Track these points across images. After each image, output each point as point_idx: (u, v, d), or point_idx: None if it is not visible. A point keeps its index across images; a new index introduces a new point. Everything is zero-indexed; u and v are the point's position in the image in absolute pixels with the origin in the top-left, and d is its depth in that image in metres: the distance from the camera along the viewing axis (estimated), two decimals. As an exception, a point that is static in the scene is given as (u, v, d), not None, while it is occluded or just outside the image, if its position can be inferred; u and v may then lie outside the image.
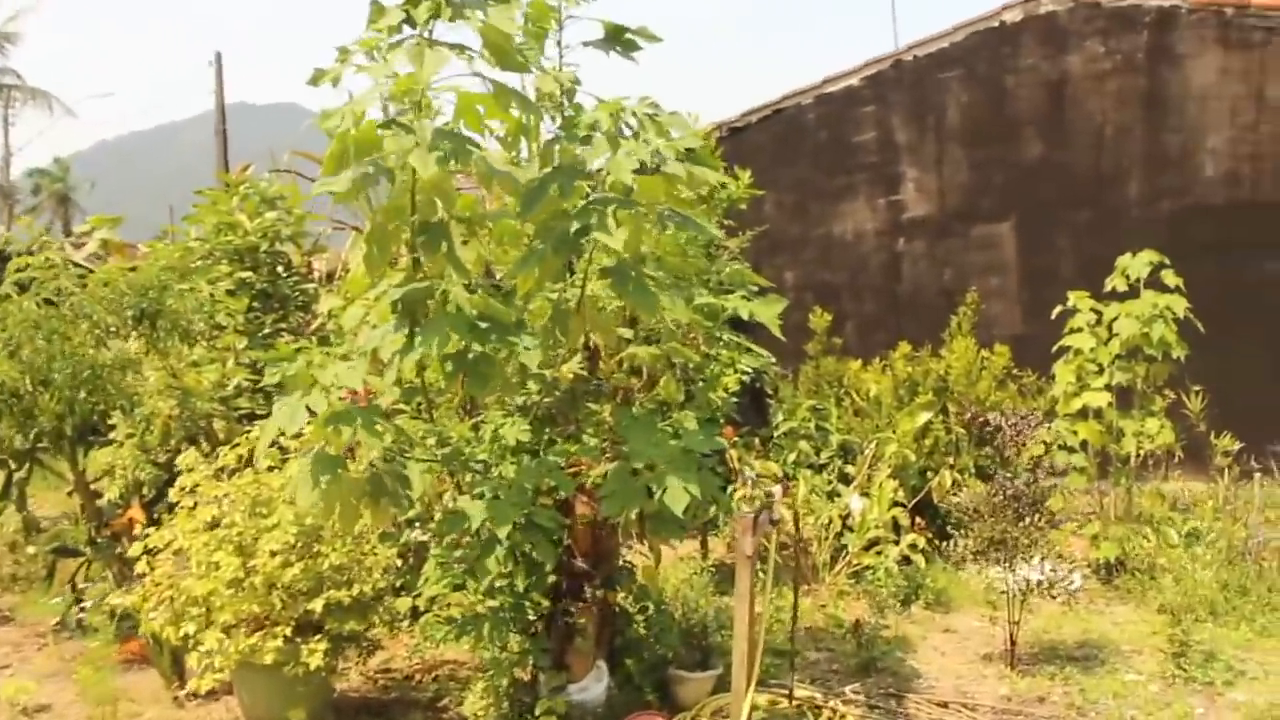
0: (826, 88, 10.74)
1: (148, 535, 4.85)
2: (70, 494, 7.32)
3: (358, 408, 3.81)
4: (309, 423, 3.79)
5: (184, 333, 5.98)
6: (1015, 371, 8.76)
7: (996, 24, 10.00)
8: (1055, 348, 7.46)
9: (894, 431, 7.66)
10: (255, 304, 7.59)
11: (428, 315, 3.87)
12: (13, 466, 6.78)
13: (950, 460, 7.68)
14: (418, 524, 4.71)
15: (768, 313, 4.69)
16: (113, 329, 5.73)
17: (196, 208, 7.59)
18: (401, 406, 5.14)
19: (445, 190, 3.90)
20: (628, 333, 4.59)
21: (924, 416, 7.79)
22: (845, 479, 7.68)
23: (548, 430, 4.69)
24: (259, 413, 6.98)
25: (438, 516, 4.44)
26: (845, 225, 10.73)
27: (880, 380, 8.31)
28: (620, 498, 3.88)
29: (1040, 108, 9.87)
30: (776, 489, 4.19)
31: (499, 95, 3.90)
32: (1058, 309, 7.52)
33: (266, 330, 7.43)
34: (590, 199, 3.77)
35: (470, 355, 3.95)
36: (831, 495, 7.50)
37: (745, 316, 4.63)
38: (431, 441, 4.57)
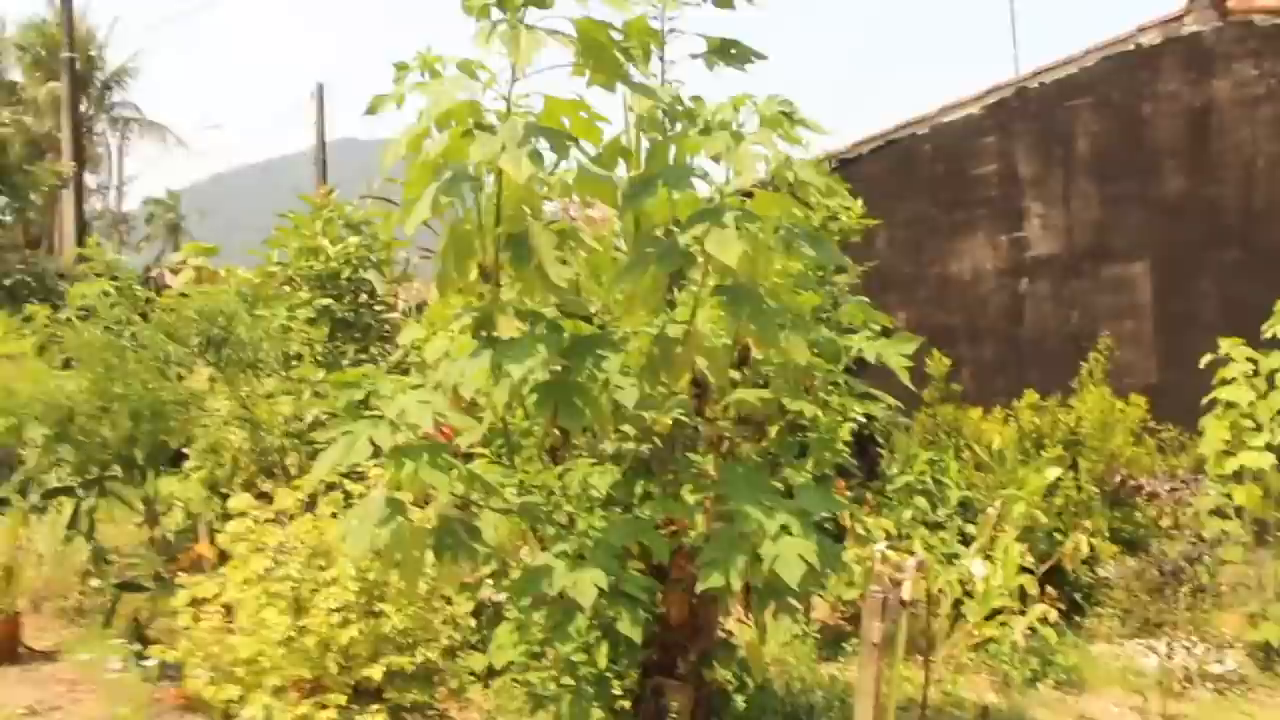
0: (943, 117, 10.09)
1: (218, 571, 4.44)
2: (140, 525, 7.01)
3: (424, 443, 3.33)
4: (373, 460, 3.33)
5: (254, 362, 5.61)
6: (1152, 425, 7.98)
7: (1131, 47, 9.26)
8: (1206, 400, 6.68)
9: (1019, 488, 6.95)
10: (336, 333, 7.22)
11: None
12: (80, 494, 6.50)
13: (1083, 522, 6.93)
14: (491, 580, 4.19)
15: (896, 355, 4.10)
16: (175, 358, 5.38)
17: (278, 230, 7.26)
18: (480, 450, 4.66)
19: (535, 199, 3.44)
20: (735, 375, 4.04)
21: (1052, 473, 7.06)
22: (965, 539, 6.99)
23: (641, 482, 4.15)
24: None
25: (514, 574, 3.92)
26: (963, 263, 10.03)
27: (1003, 431, 7.60)
28: (723, 566, 3.31)
29: (1181, 138, 9.09)
30: (909, 562, 3.58)
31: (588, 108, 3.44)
32: (1207, 357, 6.74)
33: (347, 361, 7.04)
34: (705, 207, 3.25)
35: (562, 382, 3.44)
36: (950, 558, 6.82)
37: (871, 358, 4.04)
38: (511, 490, 4.06)
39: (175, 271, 9.74)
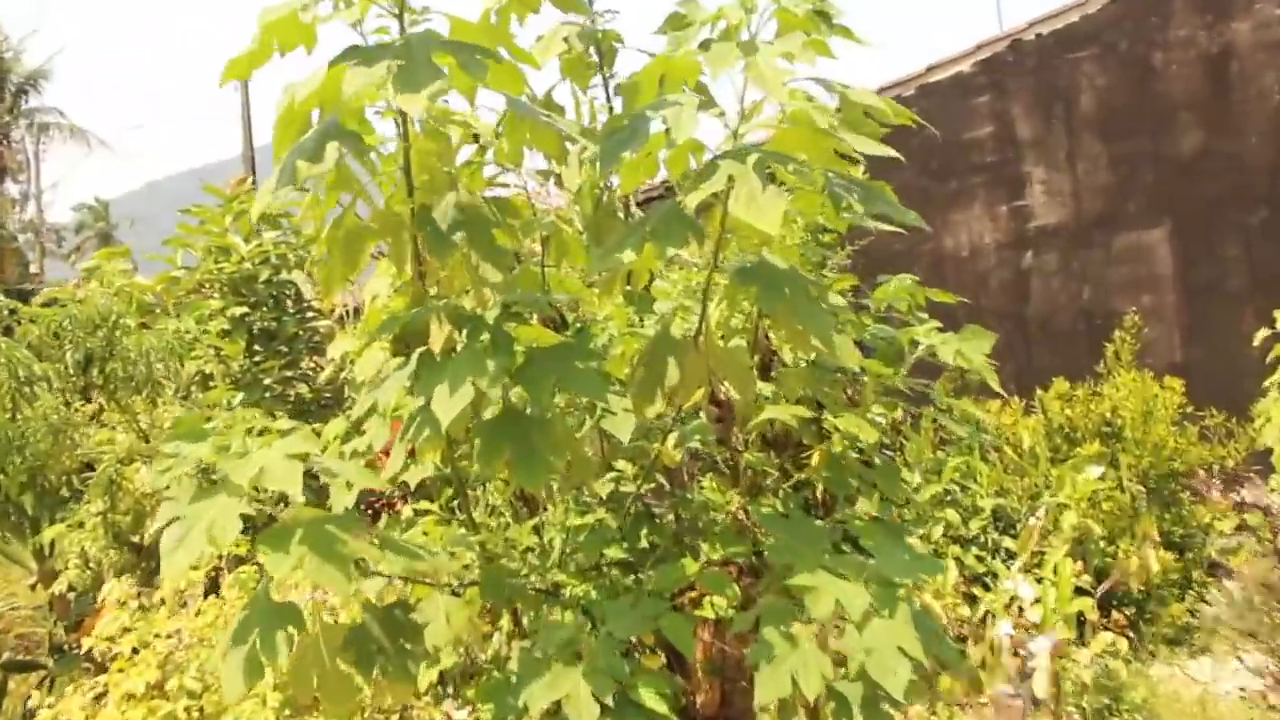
0: (930, 76, 9.13)
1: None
2: (34, 586, 5.91)
3: (314, 514, 2.29)
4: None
5: (147, 382, 4.53)
6: (1190, 410, 7.08)
7: (1141, -10, 8.36)
8: (1267, 384, 5.80)
9: (1058, 491, 6.03)
10: (256, 347, 6.12)
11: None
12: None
13: (1146, 531, 6.02)
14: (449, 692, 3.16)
15: (977, 352, 3.12)
16: (41, 379, 4.30)
17: (180, 228, 6.12)
18: (424, 505, 3.63)
19: (449, 154, 2.43)
20: (765, 387, 3.03)
21: (1093, 472, 6.14)
22: (1000, 554, 6.06)
23: (645, 531, 3.14)
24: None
25: (477, 682, 2.90)
26: (959, 237, 9.09)
27: (1034, 426, 6.66)
28: (781, 677, 2.30)
29: (1199, 88, 8.19)
30: (1040, 646, 2.60)
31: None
32: (1262, 333, 5.85)
33: (270, 380, 5.94)
34: (724, 151, 2.24)
35: (515, 417, 2.44)
36: (986, 579, 5.89)
37: (949, 359, 3.06)
38: (469, 555, 3.04)
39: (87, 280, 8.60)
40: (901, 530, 2.91)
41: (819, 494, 3.36)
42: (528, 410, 2.41)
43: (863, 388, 3.47)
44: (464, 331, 2.44)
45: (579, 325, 3.24)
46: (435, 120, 2.77)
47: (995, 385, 3.11)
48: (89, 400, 4.81)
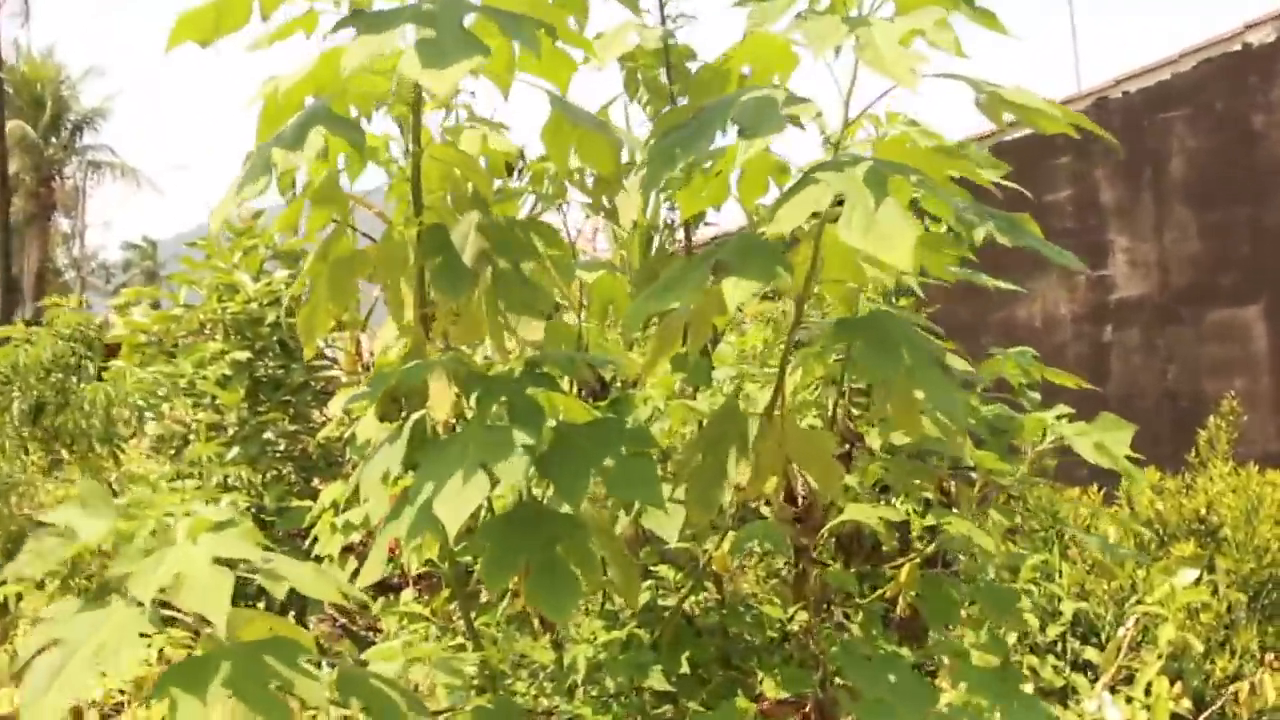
0: (1007, 134, 8.51)
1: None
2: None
3: (241, 644, 1.67)
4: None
5: (102, 436, 3.97)
6: (1295, 508, 6.31)
7: (1238, 47, 7.71)
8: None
9: (1148, 596, 5.30)
10: (260, 396, 5.54)
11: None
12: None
13: (1230, 641, 5.28)
14: None
15: (1119, 446, 2.49)
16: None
17: (185, 263, 5.57)
18: (414, 609, 3.02)
19: (475, 171, 1.85)
20: (850, 477, 2.40)
21: (1187, 576, 5.41)
22: (1080, 665, 5.33)
23: (689, 651, 2.51)
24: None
25: None
26: (1033, 308, 8.40)
27: (1116, 521, 5.93)
28: None
29: (1301, 155, 7.53)
30: None
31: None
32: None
33: (273, 434, 5.36)
34: (824, 161, 1.62)
35: (536, 521, 1.83)
36: (1065, 693, 5.16)
37: (1088, 454, 2.43)
38: (469, 670, 2.42)
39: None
40: (1017, 679, 2.25)
41: (901, 610, 2.70)
42: (552, 506, 1.79)
43: (961, 484, 2.82)
44: (474, 396, 1.83)
45: (615, 396, 2.62)
46: (450, 133, 2.18)
47: (1144, 487, 2.50)
48: (52, 452, 4.25)
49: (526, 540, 1.78)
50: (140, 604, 1.66)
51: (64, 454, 4.30)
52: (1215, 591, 5.65)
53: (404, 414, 1.96)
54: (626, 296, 2.79)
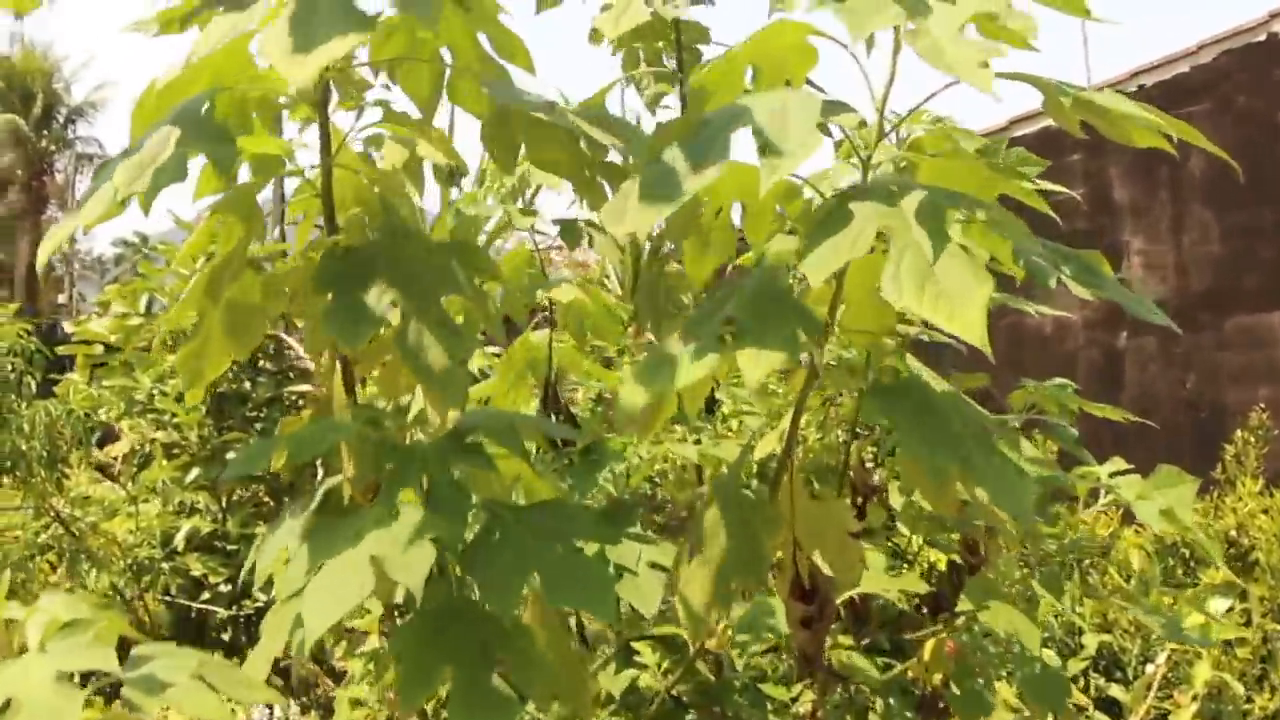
0: (1015, 130, 8.13)
1: None
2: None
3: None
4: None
5: (42, 460, 3.62)
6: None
7: (1263, 38, 7.34)
8: None
9: (1178, 630, 4.95)
10: (226, 412, 5.17)
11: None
12: None
13: (1268, 676, 4.94)
14: None
15: (1183, 506, 2.13)
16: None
17: (144, 269, 5.19)
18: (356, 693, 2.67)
19: (389, 178, 1.50)
20: (877, 556, 2.04)
21: (1218, 606, 5.06)
22: (1105, 703, 4.99)
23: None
24: (215, 580, 4.60)
25: None
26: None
27: (1138, 544, 5.59)
28: None
29: (1329, 153, 7.18)
30: None
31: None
32: None
33: (234, 454, 4.99)
34: (854, 187, 1.26)
35: (464, 618, 1.47)
36: (1088, 733, 4.82)
37: (1154, 523, 2.08)
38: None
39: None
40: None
41: (925, 687, 2.34)
42: (475, 614, 1.42)
43: (990, 543, 2.46)
44: (386, 473, 1.47)
45: (589, 443, 2.25)
46: (371, 142, 1.81)
47: (1216, 556, 2.17)
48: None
49: (450, 648, 1.41)
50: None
51: (2, 479, 3.95)
52: (1248, 622, 5.31)
53: (319, 476, 1.61)
54: (605, 314, 2.43)
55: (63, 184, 36.54)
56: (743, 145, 1.20)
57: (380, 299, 1.36)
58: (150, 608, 4.43)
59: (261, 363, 5.33)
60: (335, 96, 1.51)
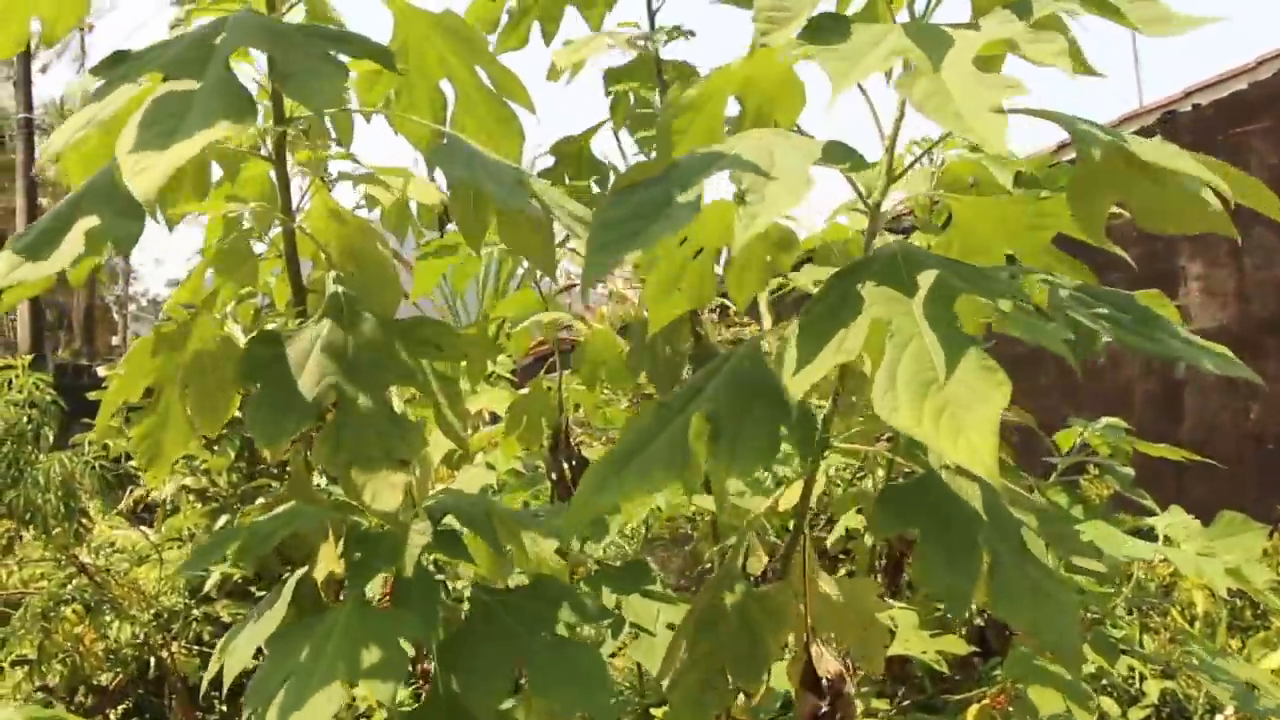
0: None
1: None
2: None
3: None
4: None
5: (58, 515, 3.54)
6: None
7: (1323, 55, 7.10)
8: None
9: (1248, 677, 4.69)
10: (255, 457, 5.10)
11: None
12: None
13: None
14: None
15: (1253, 566, 1.95)
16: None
17: (171, 312, 5.16)
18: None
19: (351, 229, 1.38)
20: (911, 615, 1.87)
21: (1287, 655, 4.79)
22: (1169, 756, 4.72)
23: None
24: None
25: None
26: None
27: (1200, 586, 5.32)
28: None
29: (1396, 171, 6.89)
30: None
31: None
32: None
33: (264, 501, 4.90)
34: (860, 263, 1.11)
35: (448, 714, 1.32)
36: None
37: (1218, 583, 1.90)
38: None
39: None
40: None
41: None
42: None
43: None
44: (353, 563, 1.33)
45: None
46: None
47: None
48: (10, 529, 3.83)
49: None
50: None
51: (24, 531, 3.88)
52: (1317, 666, 5.03)
53: (288, 567, 1.48)
54: (620, 358, 2.29)
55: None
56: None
57: (312, 389, 1.22)
58: (176, 658, 4.33)
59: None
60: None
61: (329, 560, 1.31)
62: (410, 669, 1.71)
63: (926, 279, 1.00)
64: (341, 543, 1.31)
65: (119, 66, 1.15)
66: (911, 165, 1.24)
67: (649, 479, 1.02)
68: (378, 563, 1.24)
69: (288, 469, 5.38)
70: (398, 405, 1.41)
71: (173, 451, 1.48)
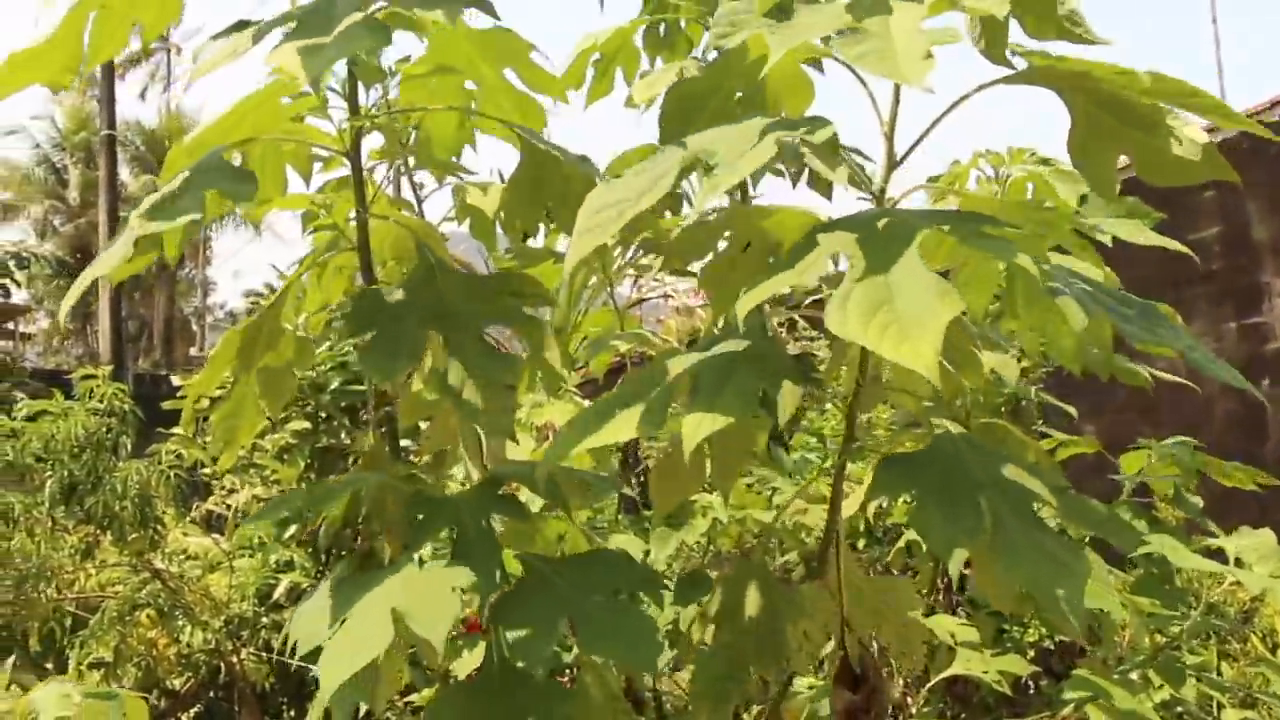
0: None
1: None
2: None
3: None
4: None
5: (135, 521, 3.64)
6: None
7: None
8: None
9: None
10: (327, 468, 5.18)
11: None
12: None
13: None
14: None
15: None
16: (7, 512, 3.43)
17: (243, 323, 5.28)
18: None
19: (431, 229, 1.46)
20: (971, 631, 1.85)
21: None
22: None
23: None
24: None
25: None
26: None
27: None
28: None
29: None
30: None
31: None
32: None
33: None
34: (838, 219, 1.10)
35: (506, 684, 1.35)
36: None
37: None
38: None
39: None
40: None
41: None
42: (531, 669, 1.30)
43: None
44: (415, 524, 1.37)
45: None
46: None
47: None
48: (90, 534, 3.93)
49: (487, 716, 1.29)
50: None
51: (102, 536, 3.99)
52: None
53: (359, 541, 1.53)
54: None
55: (197, 241, 37.99)
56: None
57: (417, 332, 1.31)
58: (247, 664, 4.41)
59: (363, 415, 5.34)
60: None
61: (391, 522, 1.36)
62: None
63: (886, 220, 1.01)
64: (405, 508, 1.36)
65: (244, 28, 1.26)
66: (909, 152, 1.22)
67: (627, 425, 1.05)
68: (440, 522, 1.29)
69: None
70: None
71: (246, 435, 1.59)
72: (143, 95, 33.33)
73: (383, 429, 1.56)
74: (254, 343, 1.56)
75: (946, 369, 1.27)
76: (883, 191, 1.17)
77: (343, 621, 1.17)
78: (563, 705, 1.28)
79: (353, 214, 1.52)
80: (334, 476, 5.04)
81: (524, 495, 1.51)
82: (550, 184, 1.43)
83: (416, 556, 1.23)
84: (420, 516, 1.32)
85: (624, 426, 1.04)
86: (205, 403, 5.45)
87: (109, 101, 18.83)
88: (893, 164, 1.17)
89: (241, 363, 1.57)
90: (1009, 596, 1.25)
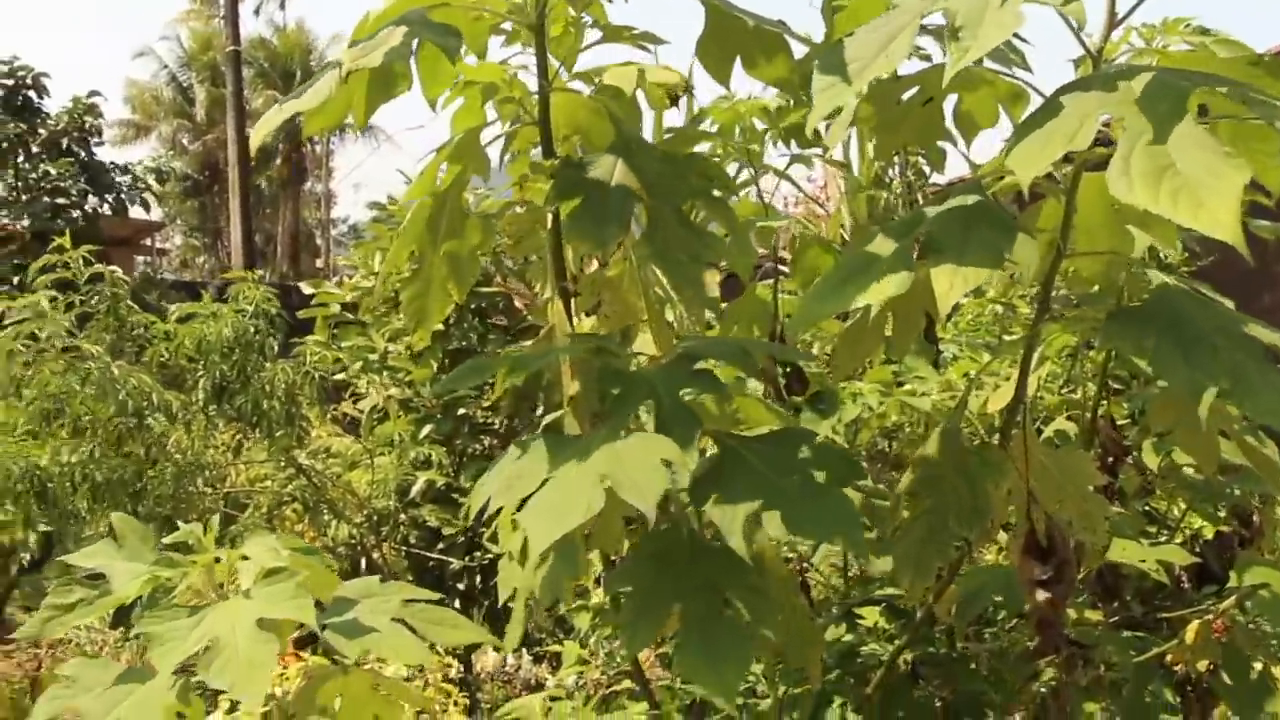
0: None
1: None
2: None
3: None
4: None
5: (281, 419, 3.77)
6: None
7: None
8: None
9: None
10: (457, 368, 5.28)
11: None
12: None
13: None
14: None
15: None
16: (158, 410, 3.57)
17: (374, 229, 5.36)
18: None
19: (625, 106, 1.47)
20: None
21: None
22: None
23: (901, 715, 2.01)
24: (450, 531, 4.69)
25: None
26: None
27: None
28: None
29: None
30: None
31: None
32: None
33: (467, 410, 5.08)
34: (1077, 80, 1.07)
35: (695, 556, 1.39)
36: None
37: None
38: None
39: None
40: None
41: (1186, 672, 2.08)
42: (714, 540, 1.33)
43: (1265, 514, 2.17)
44: (611, 397, 1.39)
45: (816, 390, 2.11)
46: (589, 74, 1.73)
47: None
48: (239, 431, 4.10)
49: (679, 585, 1.32)
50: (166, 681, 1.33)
51: (251, 434, 4.15)
52: None
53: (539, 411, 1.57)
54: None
55: (320, 155, 38.65)
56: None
57: (626, 200, 1.33)
58: (388, 557, 4.59)
59: (493, 319, 5.42)
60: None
61: (581, 396, 1.39)
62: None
63: (1144, 79, 0.96)
64: (596, 381, 1.39)
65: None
66: (1132, 10, 1.16)
67: (868, 288, 1.04)
68: (637, 396, 1.30)
69: (491, 379, 5.54)
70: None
71: (437, 315, 1.63)
72: (256, 12, 33.79)
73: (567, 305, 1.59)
74: (438, 217, 1.60)
75: (1130, 231, 1.23)
76: (1100, 51, 1.13)
77: (543, 483, 1.19)
78: (752, 577, 1.31)
79: (535, 87, 1.54)
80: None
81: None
82: (737, 37, 1.43)
83: (618, 427, 1.24)
84: (616, 390, 1.34)
85: (887, 285, 1.04)
86: (337, 310, 5.55)
87: (233, 19, 19.16)
88: (1113, 22, 1.12)
89: (425, 242, 1.61)
90: (1213, 459, 1.23)
